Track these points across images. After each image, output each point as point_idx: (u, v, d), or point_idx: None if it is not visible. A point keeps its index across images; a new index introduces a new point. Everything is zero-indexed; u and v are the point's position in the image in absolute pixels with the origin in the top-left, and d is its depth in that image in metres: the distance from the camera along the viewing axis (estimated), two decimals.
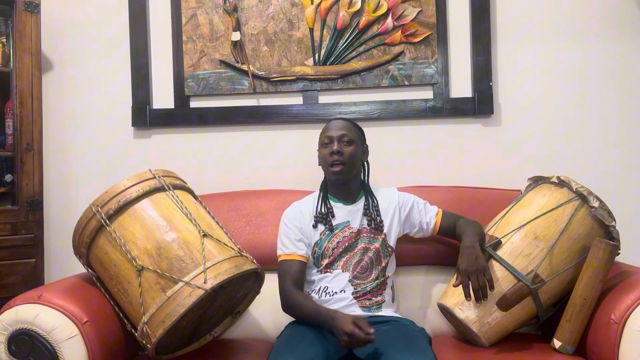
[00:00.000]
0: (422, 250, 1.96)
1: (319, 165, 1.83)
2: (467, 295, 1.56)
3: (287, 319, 1.74)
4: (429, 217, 1.84)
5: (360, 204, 1.81)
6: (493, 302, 1.63)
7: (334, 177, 1.77)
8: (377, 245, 1.77)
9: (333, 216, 1.79)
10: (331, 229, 1.77)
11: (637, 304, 1.45)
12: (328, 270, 1.76)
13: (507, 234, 1.70)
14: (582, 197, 1.69)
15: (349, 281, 1.74)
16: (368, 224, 1.78)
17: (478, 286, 1.55)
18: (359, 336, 1.42)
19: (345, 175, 1.76)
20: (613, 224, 1.68)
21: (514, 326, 1.67)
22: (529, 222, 1.69)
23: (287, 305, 1.70)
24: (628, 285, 1.53)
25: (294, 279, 1.71)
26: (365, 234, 1.78)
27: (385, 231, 1.79)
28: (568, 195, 1.71)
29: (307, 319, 1.63)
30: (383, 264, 1.77)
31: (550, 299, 1.67)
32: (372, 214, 1.79)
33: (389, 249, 1.80)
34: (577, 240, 1.66)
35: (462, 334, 1.76)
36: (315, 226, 1.78)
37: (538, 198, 1.76)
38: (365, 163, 1.86)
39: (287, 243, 1.77)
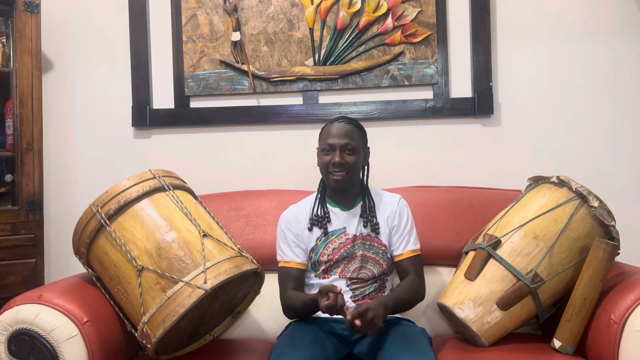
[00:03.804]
0: (422, 251, 1.95)
1: (318, 165, 1.79)
2: (349, 322, 1.47)
3: (288, 318, 1.74)
4: (402, 247, 1.76)
5: (358, 209, 1.78)
6: (493, 301, 1.63)
7: (333, 185, 1.74)
8: (377, 256, 1.74)
9: (329, 221, 1.77)
10: (326, 233, 1.75)
11: (637, 304, 1.45)
12: (325, 276, 1.75)
13: (507, 234, 1.70)
14: (582, 197, 1.68)
15: (347, 285, 1.73)
16: (364, 226, 1.76)
17: (362, 328, 1.46)
18: (325, 288, 1.47)
19: (346, 183, 1.73)
20: (613, 223, 1.68)
21: (513, 326, 1.67)
22: (529, 221, 1.69)
23: (287, 310, 1.71)
24: (628, 285, 1.53)
25: (293, 286, 1.72)
26: (361, 241, 1.75)
27: (385, 242, 1.76)
28: (568, 194, 1.71)
29: (303, 313, 1.64)
30: (383, 270, 1.76)
31: (550, 298, 1.67)
32: (368, 215, 1.77)
33: (389, 258, 1.77)
34: (576, 239, 1.66)
35: (462, 334, 1.76)
36: (310, 229, 1.77)
37: (538, 198, 1.76)
38: (365, 166, 1.81)
39: (285, 249, 1.76)
